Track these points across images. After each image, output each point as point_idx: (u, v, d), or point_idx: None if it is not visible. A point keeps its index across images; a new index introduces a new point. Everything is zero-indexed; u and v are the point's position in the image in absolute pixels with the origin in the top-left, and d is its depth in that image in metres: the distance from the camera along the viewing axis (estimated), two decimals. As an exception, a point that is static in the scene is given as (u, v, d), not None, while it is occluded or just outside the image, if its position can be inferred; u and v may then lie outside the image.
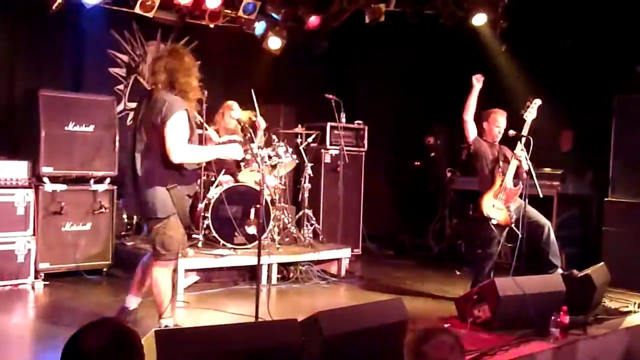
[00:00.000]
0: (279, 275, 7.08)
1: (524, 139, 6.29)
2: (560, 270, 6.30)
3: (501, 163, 6.43)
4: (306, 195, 7.90)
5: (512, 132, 6.43)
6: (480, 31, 8.58)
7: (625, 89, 7.53)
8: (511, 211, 6.30)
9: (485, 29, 8.54)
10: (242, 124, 5.57)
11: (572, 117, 8.24)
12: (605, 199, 7.55)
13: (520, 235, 6.09)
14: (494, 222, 6.27)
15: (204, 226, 6.92)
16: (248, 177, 7.28)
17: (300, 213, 7.93)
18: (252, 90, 7.24)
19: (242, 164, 7.25)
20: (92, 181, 6.81)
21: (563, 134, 8.33)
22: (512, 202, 6.36)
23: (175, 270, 5.48)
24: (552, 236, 6.38)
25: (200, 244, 6.88)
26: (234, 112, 6.97)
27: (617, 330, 5.50)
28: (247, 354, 3.49)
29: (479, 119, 6.64)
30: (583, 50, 8.26)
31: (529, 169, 6.24)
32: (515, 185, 6.37)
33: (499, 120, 6.52)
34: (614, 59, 7.91)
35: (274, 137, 7.53)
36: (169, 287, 4.76)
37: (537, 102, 6.48)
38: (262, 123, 7.47)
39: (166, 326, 4.67)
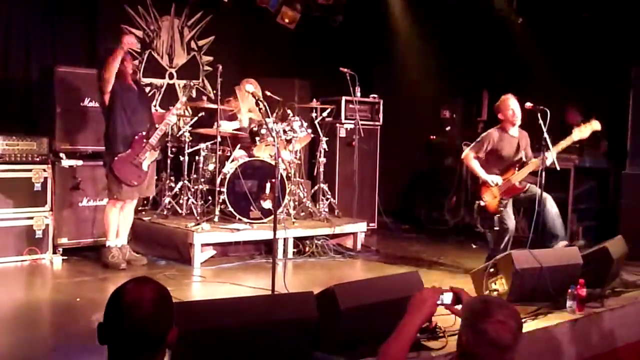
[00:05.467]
0: (295, 250, 7.10)
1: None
2: (563, 242, 6.28)
3: (521, 154, 6.44)
4: (321, 169, 7.89)
5: (528, 105, 6.37)
6: (497, 3, 8.47)
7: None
8: (502, 204, 6.31)
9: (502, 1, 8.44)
10: (256, 97, 5.58)
11: (590, 90, 8.15)
12: (623, 172, 7.49)
13: (537, 209, 6.06)
14: (482, 203, 6.36)
15: (220, 201, 6.94)
16: (263, 152, 7.27)
17: (316, 187, 7.93)
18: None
19: (257, 138, 7.23)
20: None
21: (569, 109, 8.20)
22: (507, 198, 6.36)
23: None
24: (551, 208, 6.31)
25: (216, 219, 6.90)
26: (248, 86, 6.96)
27: (634, 303, 5.47)
28: (263, 326, 3.52)
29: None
30: (600, 22, 8.15)
31: (546, 142, 6.19)
32: (520, 184, 6.36)
33: (510, 103, 6.45)
34: (631, 31, 7.80)
35: (288, 111, 7.51)
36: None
37: (596, 126, 6.29)
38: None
39: (109, 246, 6.18)
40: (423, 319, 2.78)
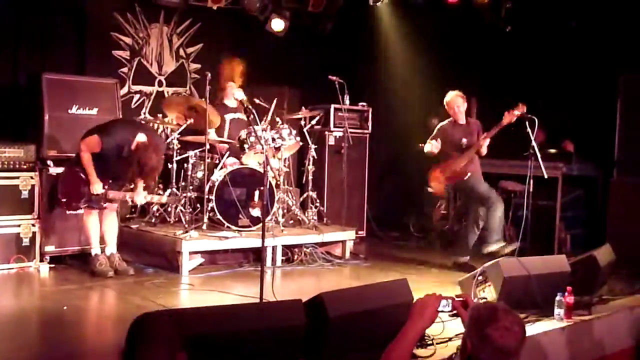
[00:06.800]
0: (284, 257, 7.08)
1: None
2: (494, 247, 6.84)
3: (464, 141, 7.01)
4: (310, 177, 7.89)
5: (517, 113, 6.41)
6: (486, 12, 8.49)
7: (631, 70, 7.48)
8: (448, 189, 7.31)
9: (491, 10, 8.45)
10: (245, 104, 5.57)
11: (578, 98, 8.19)
12: (611, 179, 7.52)
13: (524, 217, 6.10)
14: (430, 190, 7.39)
15: (209, 208, 6.92)
16: (252, 160, 7.26)
17: (304, 195, 7.92)
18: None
19: (245, 146, 7.22)
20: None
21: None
22: (452, 183, 7.10)
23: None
24: (496, 212, 6.87)
25: (204, 227, 6.87)
26: (237, 93, 6.97)
27: (621, 311, 5.49)
28: (251, 334, 3.50)
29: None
30: (588, 31, 8.19)
31: (534, 150, 6.23)
32: (460, 169, 6.93)
33: (451, 102, 7.13)
34: (619, 40, 7.85)
35: (277, 119, 7.51)
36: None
37: (521, 110, 6.63)
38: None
39: (96, 254, 6.20)
40: (425, 325, 2.82)
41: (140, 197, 6.28)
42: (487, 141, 6.93)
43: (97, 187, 6.05)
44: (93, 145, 6.02)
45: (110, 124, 6.28)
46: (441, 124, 7.32)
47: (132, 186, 6.28)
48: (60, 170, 6.53)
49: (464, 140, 7.04)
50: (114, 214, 6.38)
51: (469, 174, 6.95)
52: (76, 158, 6.14)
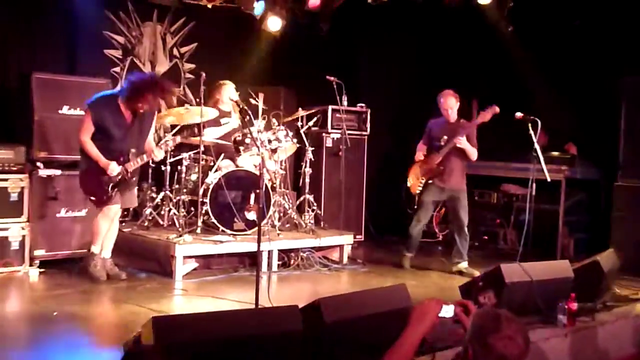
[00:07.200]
0: (280, 262, 7.00)
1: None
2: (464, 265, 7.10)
3: (444, 138, 7.04)
4: (307, 180, 7.81)
5: (518, 115, 6.35)
6: (486, 11, 8.39)
7: (635, 72, 7.39)
8: (421, 186, 7.22)
9: (492, 9, 8.34)
10: (240, 105, 5.47)
11: (581, 99, 8.12)
12: (615, 184, 7.43)
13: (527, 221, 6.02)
14: (408, 183, 7.38)
15: (203, 212, 6.81)
16: (247, 162, 7.17)
17: (301, 198, 7.84)
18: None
19: (241, 148, 7.11)
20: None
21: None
22: (426, 177, 7.14)
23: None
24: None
25: (199, 230, 6.78)
26: (233, 94, 6.87)
27: (626, 318, 5.43)
28: (247, 340, 3.43)
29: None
30: (591, 32, 8.13)
31: (537, 153, 6.16)
32: (438, 165, 7.03)
33: (442, 101, 7.12)
34: (622, 41, 7.79)
35: (273, 120, 7.40)
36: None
37: (495, 110, 6.79)
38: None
39: (94, 253, 6.09)
40: (425, 330, 2.80)
41: (156, 151, 6.24)
42: (463, 140, 6.91)
43: (113, 168, 5.96)
44: (87, 124, 5.92)
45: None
46: (431, 120, 7.38)
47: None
48: (50, 172, 6.47)
49: (444, 137, 7.05)
50: (117, 218, 6.27)
51: (445, 186, 7.09)
52: (81, 156, 6.05)
